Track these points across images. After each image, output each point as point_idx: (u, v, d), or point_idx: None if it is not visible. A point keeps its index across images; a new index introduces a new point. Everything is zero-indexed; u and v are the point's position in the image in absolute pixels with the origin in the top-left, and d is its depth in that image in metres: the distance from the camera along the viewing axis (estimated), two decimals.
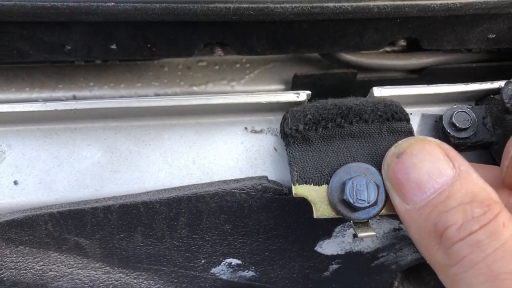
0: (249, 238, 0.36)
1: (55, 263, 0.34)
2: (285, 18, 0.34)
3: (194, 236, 0.35)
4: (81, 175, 0.34)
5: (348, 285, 0.41)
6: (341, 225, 0.37)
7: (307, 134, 0.31)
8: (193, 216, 0.34)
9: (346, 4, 0.33)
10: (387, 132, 0.32)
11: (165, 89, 0.46)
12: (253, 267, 0.38)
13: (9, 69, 0.45)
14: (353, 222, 0.30)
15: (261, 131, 0.36)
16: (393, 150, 0.29)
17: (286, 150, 0.32)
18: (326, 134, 0.31)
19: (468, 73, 0.45)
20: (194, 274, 0.37)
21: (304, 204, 0.34)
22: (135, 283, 0.36)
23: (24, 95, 0.45)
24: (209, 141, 0.35)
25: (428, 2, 0.35)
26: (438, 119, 0.37)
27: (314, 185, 0.31)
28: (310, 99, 0.35)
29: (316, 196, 0.30)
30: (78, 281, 0.35)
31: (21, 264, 0.33)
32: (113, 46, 0.37)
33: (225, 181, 0.34)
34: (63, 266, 0.34)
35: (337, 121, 0.31)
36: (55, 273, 0.34)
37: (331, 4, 0.33)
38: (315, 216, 0.30)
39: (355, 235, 0.37)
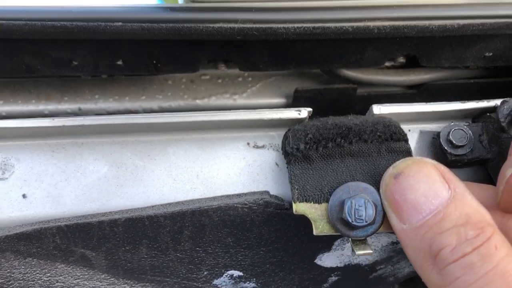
0: (250, 251, 0.37)
1: (62, 274, 0.35)
2: (288, 37, 0.35)
3: (197, 248, 0.36)
4: (87, 189, 0.35)
5: None
6: (340, 239, 0.38)
7: (308, 153, 0.32)
8: (197, 229, 0.35)
9: (347, 24, 0.34)
10: (385, 152, 0.33)
11: (169, 102, 0.47)
12: (254, 279, 0.39)
13: (17, 81, 0.46)
14: (351, 239, 0.31)
15: (263, 147, 0.37)
16: (391, 170, 0.30)
17: (287, 168, 0.33)
18: (326, 153, 0.32)
19: (465, 89, 0.46)
20: (196, 285, 0.38)
21: (305, 219, 0.35)
22: None
23: (31, 107, 0.46)
24: (213, 156, 0.36)
25: (427, 23, 0.36)
26: (436, 136, 0.38)
27: (314, 203, 0.31)
28: (312, 115, 0.36)
29: (316, 214, 0.31)
30: None
31: (29, 275, 0.34)
32: (119, 62, 0.38)
33: (227, 196, 0.35)
34: (70, 277, 0.35)
35: (337, 141, 0.32)
36: (62, 284, 0.35)
37: (332, 25, 0.34)
38: (314, 233, 0.31)
39: (357, 255, 0.38)
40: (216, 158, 0.36)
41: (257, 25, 0.34)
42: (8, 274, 0.34)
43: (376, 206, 0.30)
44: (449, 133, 0.37)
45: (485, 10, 0.36)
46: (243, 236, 0.36)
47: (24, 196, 0.34)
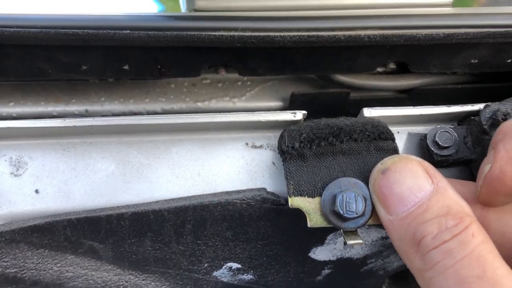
0: (248, 244, 0.39)
1: (72, 265, 0.37)
2: (284, 45, 0.37)
3: (199, 241, 0.38)
4: (96, 185, 0.37)
5: None
6: (333, 233, 0.40)
7: (302, 151, 0.35)
8: (198, 223, 0.37)
9: (339, 33, 0.37)
10: (374, 150, 0.35)
11: (172, 104, 0.50)
12: (252, 271, 0.41)
13: (26, 84, 0.48)
14: (343, 231, 0.33)
15: (260, 147, 0.40)
16: (379, 166, 0.32)
17: (283, 165, 0.36)
18: (319, 151, 0.35)
19: (453, 93, 0.49)
20: (197, 277, 0.40)
21: (299, 214, 0.38)
22: (143, 284, 0.40)
23: (40, 109, 0.48)
24: (213, 155, 0.39)
25: (414, 32, 0.38)
26: (423, 137, 0.41)
27: (308, 197, 0.34)
28: (306, 117, 0.39)
29: (310, 207, 0.34)
30: (92, 281, 0.38)
31: (41, 265, 0.37)
32: (126, 67, 0.40)
33: (227, 192, 0.37)
34: (79, 268, 0.38)
35: (329, 139, 0.35)
36: (71, 274, 0.38)
37: (325, 34, 0.37)
38: (309, 225, 0.33)
39: (345, 243, 0.40)
40: (217, 157, 0.39)
41: (256, 33, 0.36)
42: (22, 264, 0.36)
43: (365, 200, 0.32)
44: (435, 135, 0.40)
45: (468, 20, 0.39)
46: (242, 230, 0.38)
47: (36, 191, 0.36)
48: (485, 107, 0.39)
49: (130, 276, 0.39)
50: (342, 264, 0.42)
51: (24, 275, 0.36)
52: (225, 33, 0.36)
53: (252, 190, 0.37)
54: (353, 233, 0.33)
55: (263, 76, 0.48)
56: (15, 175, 0.37)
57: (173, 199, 0.36)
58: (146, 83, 0.50)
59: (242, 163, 0.39)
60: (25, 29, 0.34)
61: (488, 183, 0.31)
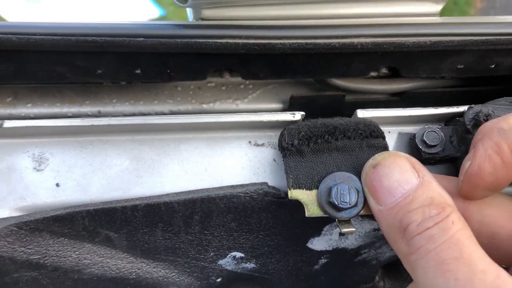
0: (251, 235, 0.43)
1: (89, 252, 0.41)
2: (284, 51, 0.40)
3: (205, 232, 0.41)
4: (112, 179, 0.40)
5: (335, 278, 0.48)
6: (329, 224, 0.43)
7: (300, 148, 0.38)
8: (205, 215, 0.40)
9: (334, 41, 0.40)
10: (366, 147, 0.39)
11: (179, 106, 0.53)
12: (254, 260, 0.44)
13: (43, 87, 0.52)
14: (337, 220, 0.37)
15: (262, 145, 0.43)
16: (370, 162, 0.36)
17: (283, 160, 0.39)
18: (316, 148, 0.38)
19: (442, 96, 0.52)
20: (204, 265, 0.44)
21: (298, 206, 0.41)
22: (154, 271, 0.43)
23: (56, 110, 0.51)
24: (219, 152, 0.42)
25: (404, 39, 0.42)
26: (412, 137, 0.44)
27: (306, 189, 0.37)
28: (304, 118, 0.42)
29: (308, 198, 0.37)
30: (107, 268, 0.41)
31: (61, 252, 0.40)
32: (138, 71, 0.44)
33: (232, 186, 0.40)
34: (95, 256, 0.41)
35: (325, 137, 0.38)
36: (89, 261, 0.41)
37: (321, 41, 0.40)
38: (306, 215, 0.37)
39: (340, 234, 0.43)
40: (222, 154, 0.42)
41: (258, 41, 0.40)
42: (44, 251, 0.39)
43: (358, 192, 0.36)
44: (423, 134, 0.43)
45: (452, 29, 0.42)
46: (245, 221, 0.41)
47: (57, 185, 0.40)
48: (468, 108, 0.42)
49: (142, 264, 0.42)
50: (337, 254, 0.45)
51: (46, 261, 0.40)
52: (230, 40, 0.39)
53: (254, 184, 0.41)
54: (347, 222, 0.37)
55: (264, 80, 0.51)
56: (38, 170, 0.40)
57: (182, 192, 0.40)
58: (155, 86, 0.53)
59: (245, 159, 0.42)
60: (49, 37, 0.38)
61: (468, 178, 0.34)
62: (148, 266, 0.42)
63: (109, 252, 0.41)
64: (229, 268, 0.44)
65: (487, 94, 0.49)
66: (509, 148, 0.33)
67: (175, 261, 0.43)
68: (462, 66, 0.47)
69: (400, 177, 0.33)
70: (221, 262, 0.44)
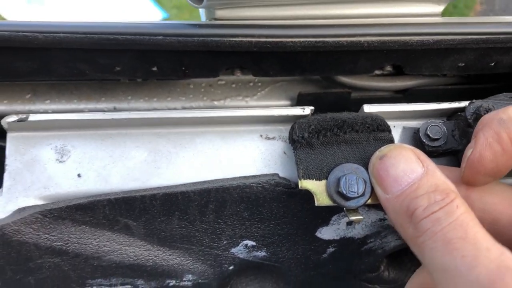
0: (262, 224, 0.45)
1: (108, 240, 0.43)
2: (295, 49, 0.43)
3: (219, 220, 0.44)
4: (131, 170, 0.42)
5: (342, 266, 0.50)
6: (337, 214, 0.45)
7: (310, 140, 0.40)
8: (219, 204, 0.42)
9: (342, 39, 0.43)
10: (373, 140, 0.41)
11: (191, 103, 0.55)
12: (265, 248, 0.46)
13: (61, 84, 0.54)
14: (345, 209, 0.39)
15: (273, 138, 0.45)
16: (377, 154, 0.38)
17: (293, 152, 0.41)
18: (325, 141, 0.40)
19: (443, 94, 0.54)
20: (217, 253, 0.46)
21: (307, 197, 0.43)
22: (170, 259, 0.45)
23: (73, 106, 0.53)
24: (232, 145, 0.44)
25: (408, 38, 0.44)
26: (416, 131, 0.46)
27: (315, 180, 0.39)
28: (313, 113, 0.44)
29: (317, 188, 0.39)
30: (125, 255, 0.43)
31: (82, 240, 0.42)
32: (154, 68, 0.46)
33: (245, 177, 0.43)
34: (115, 243, 0.43)
35: (334, 130, 0.40)
36: (108, 248, 0.43)
37: (330, 39, 0.42)
38: (316, 204, 0.39)
39: (348, 223, 0.46)
40: (235, 147, 0.44)
41: (270, 39, 0.42)
42: (67, 238, 0.41)
43: (365, 182, 0.38)
44: (427, 128, 0.45)
45: (454, 28, 0.44)
46: (257, 210, 0.44)
47: (79, 175, 0.42)
48: (469, 103, 0.44)
49: (159, 251, 0.44)
50: (344, 243, 0.47)
51: (68, 248, 0.42)
52: (244, 39, 0.42)
53: (266, 175, 0.43)
54: (354, 210, 0.39)
55: (274, 77, 0.53)
56: (60, 161, 0.42)
57: (198, 182, 0.42)
58: (168, 84, 0.55)
59: (257, 152, 0.44)
60: (73, 35, 0.40)
61: (470, 165, 0.36)
62: (164, 254, 0.44)
63: (128, 240, 0.43)
64: (241, 256, 0.46)
65: (487, 92, 0.51)
66: (509, 137, 0.35)
67: (190, 249, 0.45)
68: (463, 64, 0.49)
69: (405, 167, 0.35)
70: (233, 250, 0.46)
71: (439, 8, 0.49)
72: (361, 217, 0.38)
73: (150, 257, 0.44)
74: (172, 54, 0.44)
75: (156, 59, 0.45)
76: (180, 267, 0.45)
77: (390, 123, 0.44)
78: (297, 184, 0.42)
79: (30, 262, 0.42)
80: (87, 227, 0.42)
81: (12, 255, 0.41)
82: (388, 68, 0.53)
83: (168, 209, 0.42)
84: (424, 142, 0.45)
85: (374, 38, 0.43)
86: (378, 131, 0.41)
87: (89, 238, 0.42)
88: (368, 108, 0.44)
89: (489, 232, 0.34)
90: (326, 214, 0.45)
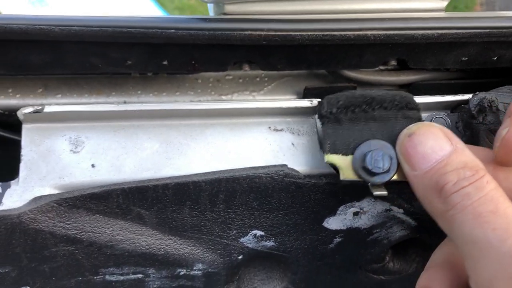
0: (271, 214, 0.46)
1: (121, 229, 0.44)
2: (302, 43, 0.44)
3: (229, 210, 0.45)
4: (143, 161, 0.43)
5: (349, 256, 0.51)
6: (344, 205, 0.46)
7: (338, 116, 0.41)
8: (229, 194, 0.43)
9: (349, 33, 0.44)
10: (401, 117, 0.41)
11: (199, 97, 0.56)
12: (273, 238, 0.47)
13: (72, 78, 0.55)
14: (370, 184, 0.40)
15: (281, 130, 0.46)
16: (405, 131, 0.38)
17: (321, 127, 0.42)
18: (353, 117, 0.41)
19: (447, 88, 0.55)
20: (226, 242, 0.47)
21: (315, 187, 0.44)
22: (181, 248, 0.46)
23: (84, 100, 0.54)
24: (241, 136, 0.45)
25: (413, 32, 0.45)
26: None
27: (342, 155, 0.40)
28: None
29: (343, 163, 0.40)
30: (137, 244, 0.44)
31: (96, 228, 0.43)
32: (165, 62, 0.47)
33: (254, 167, 0.44)
34: (127, 232, 0.44)
35: (362, 107, 0.41)
36: (121, 237, 0.44)
37: (338, 33, 0.43)
38: (341, 178, 0.40)
39: (355, 213, 0.46)
40: (244, 139, 0.45)
41: (279, 33, 0.43)
42: (81, 227, 0.42)
43: (391, 159, 0.38)
44: (431, 120, 0.46)
45: (458, 23, 0.45)
46: (266, 200, 0.45)
47: (93, 165, 0.43)
48: (473, 96, 0.45)
49: (170, 240, 0.45)
50: (351, 233, 0.48)
51: (82, 236, 0.43)
52: (254, 33, 0.43)
53: (275, 166, 0.44)
54: (379, 186, 0.40)
55: (282, 71, 0.55)
56: (74, 152, 0.43)
57: (209, 172, 0.43)
58: (177, 79, 0.56)
59: (266, 143, 0.45)
60: (88, 28, 0.41)
61: (505, 144, 0.36)
62: (175, 243, 0.46)
63: (140, 229, 0.44)
64: (250, 246, 0.47)
65: (489, 86, 0.52)
66: None
67: (200, 239, 0.46)
68: (466, 58, 0.50)
69: (434, 144, 0.36)
70: (242, 240, 0.47)
71: (443, 4, 0.50)
72: (385, 192, 0.39)
73: (162, 246, 0.45)
74: (183, 47, 0.45)
75: (167, 52, 0.46)
76: (191, 256, 0.46)
77: None
78: (305, 175, 0.44)
79: (45, 250, 0.43)
80: (101, 216, 0.43)
81: (28, 242, 0.42)
82: (393, 63, 0.54)
83: (180, 199, 0.43)
84: None
85: (380, 32, 0.44)
86: (407, 109, 0.41)
87: (102, 227, 0.43)
88: None
89: None
90: (333, 205, 0.46)
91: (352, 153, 0.40)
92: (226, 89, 0.57)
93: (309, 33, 0.43)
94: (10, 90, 0.52)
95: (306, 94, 0.55)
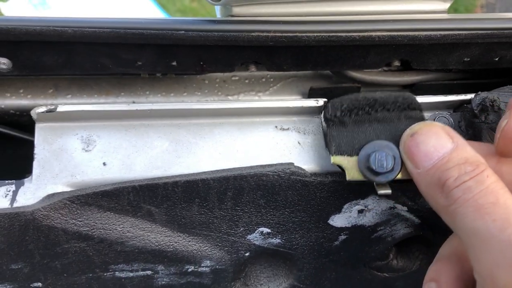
0: (277, 211, 0.47)
1: (132, 226, 0.45)
2: (309, 43, 0.45)
3: (237, 208, 0.46)
4: (153, 159, 0.44)
5: (353, 254, 0.52)
6: (349, 203, 0.47)
7: (343, 119, 0.42)
8: (237, 191, 0.44)
9: (354, 34, 0.45)
10: (404, 118, 0.42)
11: (206, 98, 0.57)
12: (280, 236, 0.48)
13: (81, 79, 0.56)
14: (375, 183, 0.41)
15: (288, 129, 0.47)
16: (408, 131, 0.40)
17: (326, 129, 0.43)
18: (357, 119, 0.42)
19: (449, 88, 0.56)
20: (234, 240, 0.48)
21: (321, 185, 0.45)
22: (189, 245, 0.47)
23: (93, 100, 0.56)
24: (249, 135, 0.46)
25: (416, 33, 0.46)
26: None
27: (347, 156, 0.41)
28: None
29: (348, 164, 0.41)
30: (147, 241, 0.45)
31: (107, 225, 0.44)
32: (174, 63, 0.48)
33: (261, 166, 0.45)
34: (137, 229, 0.45)
35: (366, 109, 0.42)
36: (131, 234, 0.45)
37: (343, 34, 0.44)
38: (347, 178, 0.41)
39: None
40: (252, 137, 0.46)
41: (286, 34, 0.44)
42: (92, 224, 0.43)
43: (394, 158, 0.40)
44: (434, 119, 0.47)
45: (460, 24, 0.46)
46: (272, 198, 0.46)
47: (104, 164, 0.44)
48: (475, 95, 0.46)
49: (179, 237, 0.46)
50: (356, 231, 0.49)
51: (94, 233, 0.44)
52: (261, 34, 0.44)
53: (282, 164, 0.45)
54: (383, 185, 0.41)
55: (287, 72, 0.56)
56: (86, 151, 0.44)
57: (217, 170, 0.44)
58: (184, 79, 0.57)
59: (272, 142, 0.46)
60: (100, 29, 0.42)
61: (505, 135, 0.37)
62: (184, 240, 0.46)
63: (150, 226, 0.45)
64: (256, 243, 0.48)
65: (491, 86, 0.53)
66: None
67: (208, 236, 0.47)
68: (468, 59, 0.51)
69: (436, 143, 0.37)
70: (249, 237, 0.48)
71: (445, 5, 0.51)
72: (389, 191, 0.41)
73: (171, 243, 0.46)
74: (192, 48, 0.46)
75: (177, 53, 0.47)
76: (199, 253, 0.47)
77: None
78: (311, 174, 0.45)
79: (57, 247, 0.44)
80: (112, 213, 0.44)
81: (41, 239, 0.43)
82: (396, 63, 0.55)
83: (189, 196, 0.44)
84: None
85: (384, 33, 0.45)
86: (409, 109, 0.43)
87: (113, 224, 0.44)
88: None
89: None
90: (338, 202, 0.47)
91: (357, 154, 0.41)
92: (232, 89, 0.58)
93: (315, 34, 0.44)
94: (21, 91, 0.53)
95: (311, 94, 0.56)
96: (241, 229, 0.47)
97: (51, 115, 0.43)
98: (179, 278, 0.49)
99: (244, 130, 0.46)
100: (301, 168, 0.45)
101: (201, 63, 0.48)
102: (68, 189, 0.43)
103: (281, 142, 0.46)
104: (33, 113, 0.43)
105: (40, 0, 2.47)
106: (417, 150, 0.38)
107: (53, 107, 0.43)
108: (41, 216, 0.42)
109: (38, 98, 0.54)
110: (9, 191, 0.42)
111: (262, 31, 0.44)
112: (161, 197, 0.43)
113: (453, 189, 0.34)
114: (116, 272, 0.47)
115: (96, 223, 0.43)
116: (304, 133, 0.47)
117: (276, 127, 0.47)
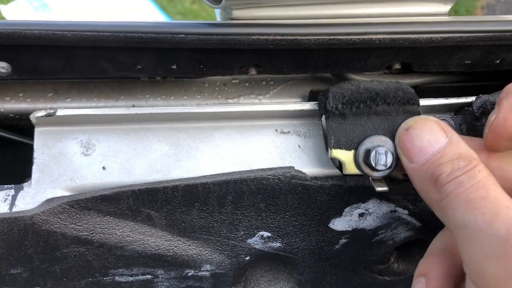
0: (278, 215, 0.46)
1: (131, 230, 0.44)
2: (309, 47, 0.45)
3: (237, 211, 0.45)
4: (153, 163, 0.44)
5: (354, 257, 0.51)
6: (350, 206, 0.47)
7: (343, 111, 0.42)
8: (237, 195, 0.44)
9: (355, 36, 0.45)
10: (402, 112, 0.42)
11: (206, 101, 0.57)
12: (280, 239, 0.48)
13: (81, 83, 0.56)
14: (372, 179, 0.41)
15: (288, 132, 0.47)
16: (403, 125, 0.40)
17: (326, 121, 0.43)
18: (357, 112, 0.42)
19: (450, 90, 0.56)
20: (234, 244, 0.47)
21: (321, 189, 0.45)
22: (189, 249, 0.47)
23: (93, 104, 0.55)
24: (249, 139, 0.46)
25: (417, 36, 0.46)
26: None
27: (345, 150, 0.41)
28: None
29: (346, 158, 0.41)
30: (147, 245, 0.45)
31: (107, 230, 0.44)
32: (174, 67, 0.48)
33: (261, 169, 0.44)
34: (137, 233, 0.45)
35: (367, 103, 0.42)
36: (131, 238, 0.45)
37: (343, 37, 0.44)
38: (344, 172, 0.41)
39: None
40: (252, 141, 0.46)
41: (286, 37, 0.44)
42: (92, 228, 0.43)
43: (392, 154, 0.40)
44: None
45: (461, 26, 0.46)
46: (273, 202, 0.45)
47: (103, 168, 0.44)
48: (476, 98, 0.46)
49: (179, 242, 0.46)
50: (356, 234, 0.49)
51: (93, 238, 0.43)
52: (261, 37, 0.44)
53: (282, 168, 0.45)
54: (380, 181, 0.41)
55: (287, 75, 0.55)
56: (86, 155, 0.44)
57: (217, 174, 0.44)
58: (184, 83, 0.57)
59: (273, 146, 0.46)
60: (100, 33, 0.42)
61: (494, 129, 0.38)
62: (184, 244, 0.46)
63: (150, 230, 0.45)
64: (257, 247, 0.48)
65: (492, 89, 0.53)
66: None
67: (208, 240, 0.46)
68: (469, 62, 0.51)
69: (430, 138, 0.37)
70: (250, 241, 0.47)
71: (446, 8, 0.51)
72: (386, 188, 0.41)
73: (171, 247, 0.46)
74: (192, 52, 0.46)
75: (177, 57, 0.47)
76: (199, 257, 0.47)
77: None
78: (312, 177, 0.44)
79: (56, 251, 0.43)
80: (112, 217, 0.44)
81: (40, 244, 0.43)
82: (397, 66, 0.55)
83: (189, 200, 0.44)
84: None
85: (385, 36, 0.45)
86: (408, 104, 0.43)
87: (113, 228, 0.44)
88: None
89: None
90: (339, 206, 0.47)
91: (355, 149, 0.42)
92: (232, 92, 0.58)
93: (315, 37, 0.44)
94: (21, 95, 0.53)
95: (311, 97, 0.56)
96: (241, 233, 0.47)
97: (51, 119, 0.43)
98: (179, 283, 0.49)
99: (244, 134, 0.46)
100: (301, 172, 0.45)
101: (201, 66, 0.48)
102: (67, 193, 0.43)
103: (281, 145, 0.46)
104: (32, 117, 0.43)
105: (41, 2, 2.47)
106: (411, 145, 0.38)
107: (52, 111, 0.43)
108: (40, 220, 0.41)
109: (38, 102, 0.53)
110: (8, 196, 0.42)
111: (262, 34, 0.44)
112: (160, 201, 0.43)
113: (445, 184, 0.35)
114: (116, 277, 0.47)
115: (95, 228, 0.43)
116: (305, 137, 0.47)
117: (276, 130, 0.47)
